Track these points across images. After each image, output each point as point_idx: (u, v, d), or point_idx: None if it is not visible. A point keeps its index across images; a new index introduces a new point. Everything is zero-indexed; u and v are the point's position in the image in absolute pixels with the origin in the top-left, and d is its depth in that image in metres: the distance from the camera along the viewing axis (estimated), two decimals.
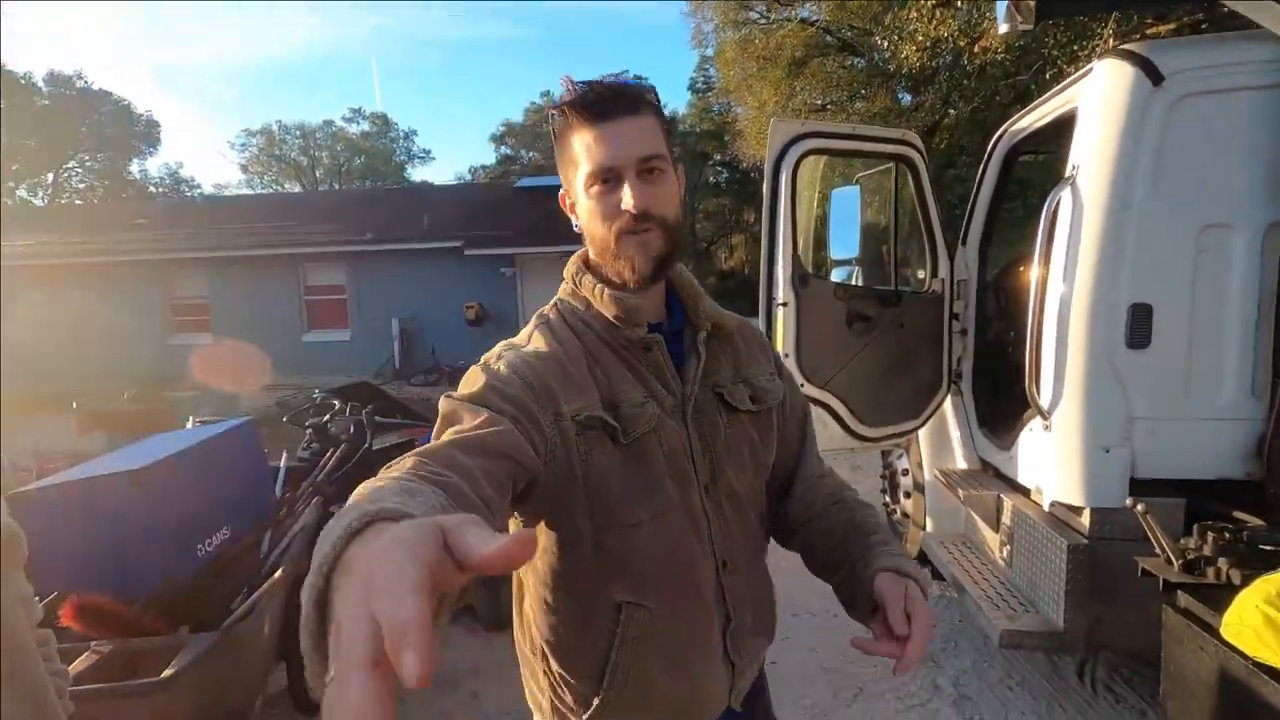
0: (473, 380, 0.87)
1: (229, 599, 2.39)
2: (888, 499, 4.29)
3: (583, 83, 0.88)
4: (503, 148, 36.32)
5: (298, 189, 35.86)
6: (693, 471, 0.94)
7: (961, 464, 3.34)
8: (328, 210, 15.83)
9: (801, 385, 3.03)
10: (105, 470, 2.15)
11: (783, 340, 3.03)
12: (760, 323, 3.13)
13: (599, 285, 0.94)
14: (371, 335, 13.27)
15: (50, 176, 29.43)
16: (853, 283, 3.72)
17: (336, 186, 36.25)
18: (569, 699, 0.96)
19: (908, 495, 3.92)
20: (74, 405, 5.40)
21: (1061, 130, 2.60)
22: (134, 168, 32.74)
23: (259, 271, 13.44)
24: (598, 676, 0.92)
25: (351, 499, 0.58)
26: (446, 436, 0.76)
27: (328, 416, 4.21)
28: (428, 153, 49.64)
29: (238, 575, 2.51)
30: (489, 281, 13.11)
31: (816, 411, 3.08)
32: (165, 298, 13.97)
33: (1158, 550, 1.89)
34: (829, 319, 3.09)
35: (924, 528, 3.60)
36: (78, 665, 1.86)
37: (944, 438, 3.47)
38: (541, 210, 14.24)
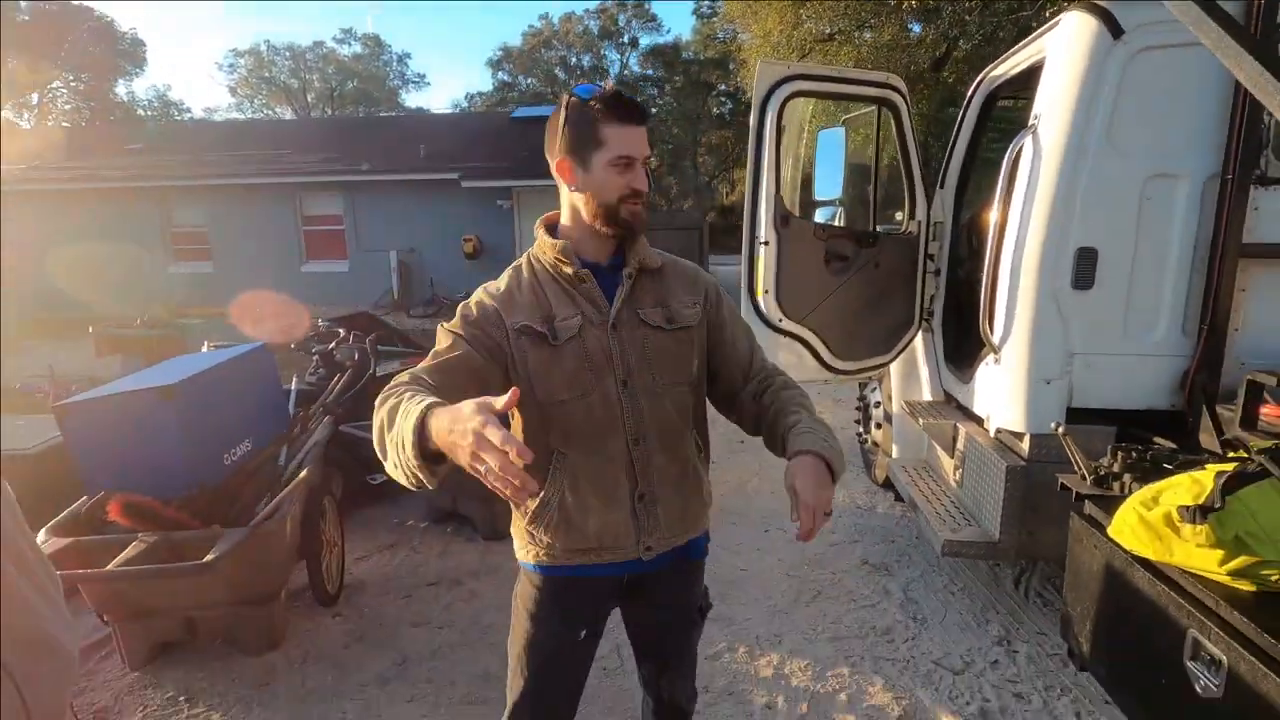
0: (456, 314, 1.31)
1: (253, 503, 2.67)
2: (861, 430, 4.57)
3: (613, 91, 1.27)
4: (500, 74, 35.25)
5: (289, 114, 34.96)
6: (610, 368, 1.30)
7: (927, 396, 3.58)
8: (323, 138, 15.61)
9: (780, 321, 3.23)
10: (143, 385, 2.37)
11: (764, 278, 3.21)
12: (743, 261, 3.30)
13: (548, 239, 1.33)
14: (370, 267, 13.34)
15: (35, 97, 28.64)
16: (835, 223, 3.87)
17: (329, 112, 35.31)
18: (526, 521, 1.35)
19: (878, 426, 4.18)
20: (90, 330, 5.60)
21: (1032, 78, 2.71)
22: (120, 89, 31.84)
23: (256, 200, 13.40)
24: (540, 502, 1.32)
25: (392, 401, 1.07)
26: (427, 361, 1.22)
27: (333, 344, 4.42)
28: (422, 77, 48.25)
29: (260, 483, 2.79)
30: (487, 214, 13.09)
31: (793, 345, 3.29)
32: (164, 225, 13.95)
33: (1075, 468, 2.14)
34: (808, 258, 3.26)
35: (890, 455, 3.87)
36: (129, 552, 2.14)
37: (913, 372, 3.70)
38: (538, 141, 14.04)
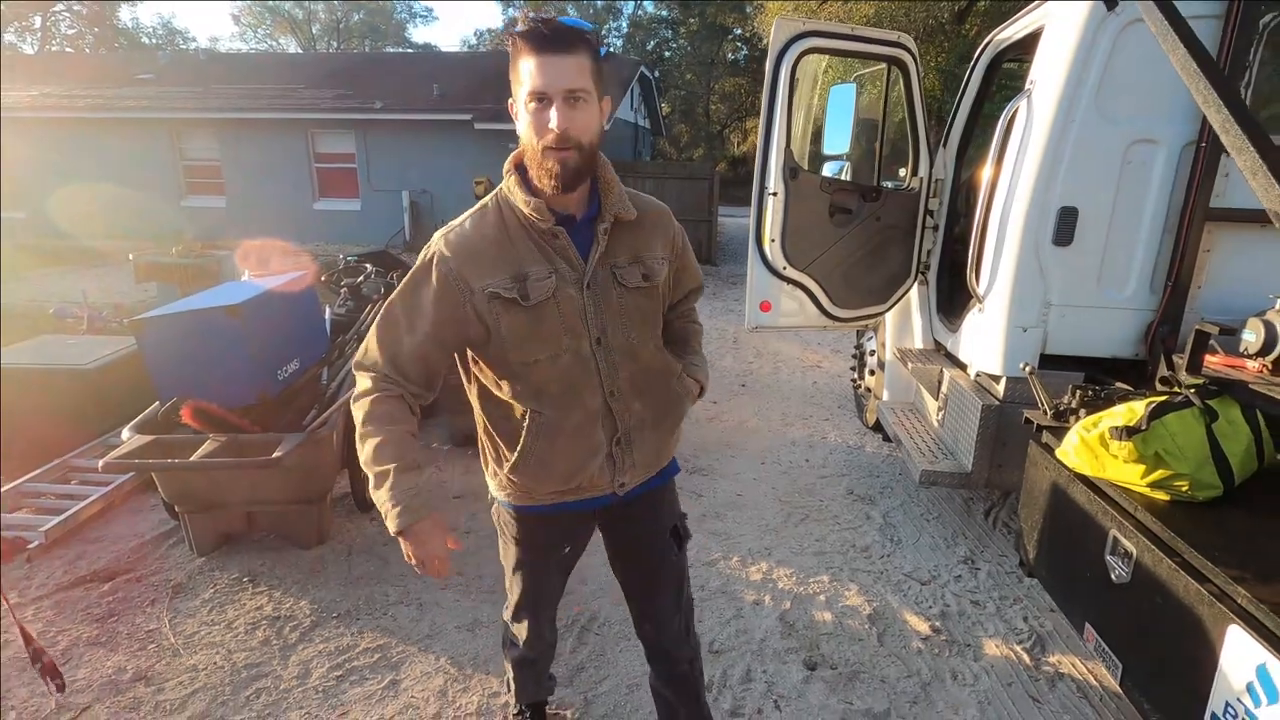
0: (422, 280, 1.26)
1: (300, 417, 2.96)
2: (855, 376, 4.84)
3: (535, 18, 1.13)
4: (510, 9, 34.35)
5: (293, 45, 34.28)
6: (585, 328, 1.29)
7: (919, 344, 3.83)
8: (336, 75, 15.45)
9: (784, 268, 3.46)
10: (209, 304, 2.64)
11: (770, 226, 3.42)
12: (752, 209, 3.50)
13: (519, 188, 1.23)
14: (381, 206, 13.43)
15: (37, 21, 28.09)
16: (842, 177, 4.05)
17: (334, 45, 34.61)
18: (500, 464, 1.42)
19: (871, 373, 4.45)
20: (130, 256, 5.85)
21: (1033, 43, 2.87)
22: (124, 14, 31.20)
23: (269, 135, 13.40)
24: (514, 453, 1.36)
25: (375, 440, 1.26)
26: (404, 335, 1.26)
27: (360, 279, 4.68)
28: (430, 11, 46.84)
29: (306, 399, 3.08)
30: (499, 156, 13.00)
31: (795, 292, 3.53)
32: (176, 157, 13.99)
33: (1039, 404, 2.41)
34: (814, 209, 3.46)
35: (881, 399, 4.15)
36: (206, 448, 2.45)
37: (907, 322, 3.94)
38: None
